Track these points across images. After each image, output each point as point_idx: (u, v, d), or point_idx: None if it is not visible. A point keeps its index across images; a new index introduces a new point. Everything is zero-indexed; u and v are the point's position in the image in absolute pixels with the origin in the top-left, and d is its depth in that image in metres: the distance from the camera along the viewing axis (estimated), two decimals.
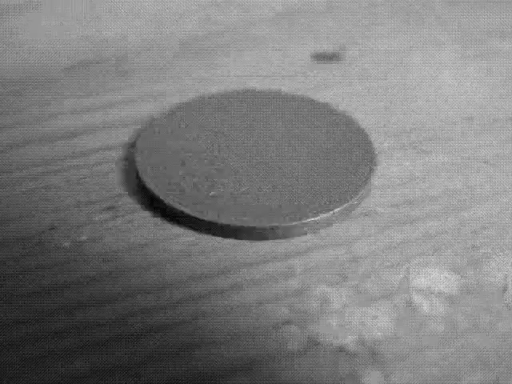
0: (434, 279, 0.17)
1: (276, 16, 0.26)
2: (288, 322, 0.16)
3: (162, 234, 0.17)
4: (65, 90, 0.22)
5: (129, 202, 0.18)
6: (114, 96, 0.22)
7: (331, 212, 0.18)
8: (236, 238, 0.17)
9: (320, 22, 0.25)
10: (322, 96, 0.22)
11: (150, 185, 0.18)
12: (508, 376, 0.15)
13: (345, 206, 0.18)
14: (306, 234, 0.17)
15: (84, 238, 0.17)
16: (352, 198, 0.18)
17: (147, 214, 0.18)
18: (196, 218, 0.17)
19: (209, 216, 0.17)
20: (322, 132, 0.20)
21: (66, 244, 0.17)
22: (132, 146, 0.20)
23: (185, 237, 0.17)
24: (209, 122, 0.20)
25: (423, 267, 0.17)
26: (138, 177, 0.18)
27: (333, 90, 0.22)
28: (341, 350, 0.15)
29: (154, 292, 0.16)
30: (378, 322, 0.16)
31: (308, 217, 0.17)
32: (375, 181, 0.19)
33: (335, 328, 0.16)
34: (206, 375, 0.15)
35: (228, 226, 0.17)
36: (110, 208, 0.18)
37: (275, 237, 0.17)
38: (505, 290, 0.16)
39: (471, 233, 0.18)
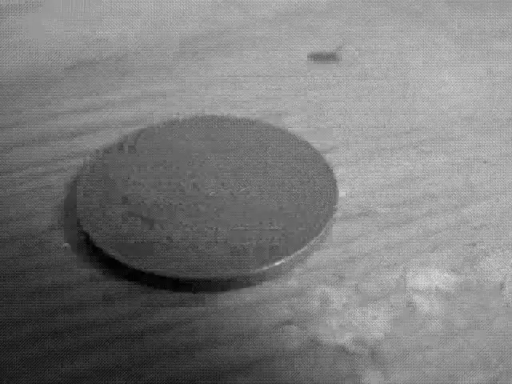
0: (432, 278, 0.17)
1: (276, 16, 0.26)
2: (288, 322, 0.16)
3: None
4: (65, 89, 0.22)
5: None
6: (114, 96, 0.22)
7: (275, 264, 0.16)
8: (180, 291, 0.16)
9: (320, 22, 0.25)
10: (323, 95, 0.22)
11: (92, 235, 0.16)
12: (508, 374, 0.15)
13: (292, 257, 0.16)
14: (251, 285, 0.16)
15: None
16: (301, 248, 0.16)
17: None
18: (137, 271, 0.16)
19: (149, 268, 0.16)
20: (281, 162, 0.18)
21: (66, 244, 0.17)
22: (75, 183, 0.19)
23: None
24: (159, 152, 0.18)
25: (422, 267, 0.17)
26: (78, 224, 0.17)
27: (333, 89, 0.22)
28: (341, 349, 0.15)
29: (154, 292, 0.16)
30: (377, 322, 0.16)
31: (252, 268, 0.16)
32: (334, 213, 0.17)
33: (335, 328, 0.16)
34: (206, 375, 0.15)
35: (164, 277, 0.16)
36: None
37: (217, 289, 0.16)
38: (503, 288, 0.16)
39: (470, 232, 0.18)
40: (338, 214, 0.18)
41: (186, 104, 0.21)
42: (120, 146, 0.19)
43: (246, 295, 0.16)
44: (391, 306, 0.16)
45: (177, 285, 0.16)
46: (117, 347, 0.15)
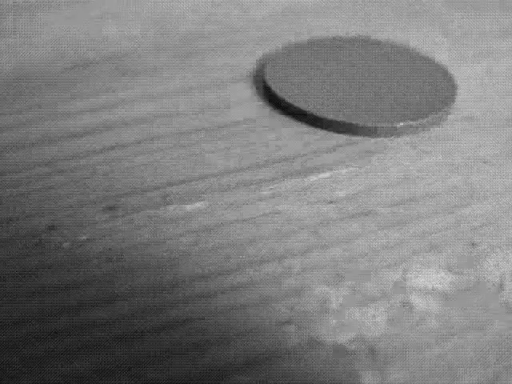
0: (432, 278, 0.17)
1: (276, 16, 0.26)
2: (288, 322, 0.16)
3: (161, 235, 0.18)
4: (66, 90, 0.22)
5: (129, 202, 0.18)
6: (115, 96, 0.22)
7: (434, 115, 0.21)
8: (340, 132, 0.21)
9: (320, 22, 0.25)
10: None
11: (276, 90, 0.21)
12: (506, 373, 0.15)
13: (442, 111, 0.21)
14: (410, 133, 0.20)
15: (84, 237, 0.17)
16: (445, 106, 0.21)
17: (147, 213, 0.18)
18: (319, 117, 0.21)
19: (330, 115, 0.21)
20: (408, 68, 0.23)
21: (66, 244, 0.17)
22: (260, 72, 0.22)
23: (185, 237, 0.17)
24: (320, 59, 0.23)
25: (421, 266, 0.17)
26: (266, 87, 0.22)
27: None
28: (340, 349, 0.15)
29: (154, 292, 0.16)
30: (376, 321, 0.16)
31: (407, 119, 0.20)
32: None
33: (334, 327, 0.16)
34: (206, 375, 0.15)
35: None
36: (110, 208, 0.18)
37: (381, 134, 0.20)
38: (502, 287, 0.16)
39: (469, 232, 0.18)
40: (338, 214, 0.18)
41: (186, 104, 0.21)
42: (283, 53, 0.23)
43: (246, 295, 0.16)
44: (390, 306, 0.16)
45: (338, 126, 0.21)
46: (117, 347, 0.15)
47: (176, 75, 0.23)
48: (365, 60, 0.23)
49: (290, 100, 0.21)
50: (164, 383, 0.14)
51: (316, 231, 0.18)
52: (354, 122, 0.20)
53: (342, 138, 0.20)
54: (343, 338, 0.15)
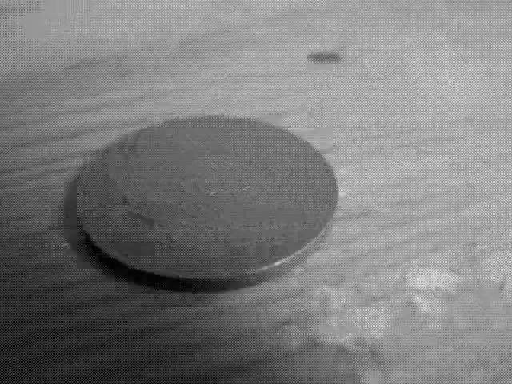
0: (432, 278, 0.17)
1: (276, 16, 0.26)
2: (288, 322, 0.16)
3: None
4: (65, 90, 0.22)
5: None
6: (114, 96, 0.22)
7: (273, 264, 0.16)
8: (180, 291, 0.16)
9: (320, 22, 0.25)
10: (323, 95, 0.22)
11: (93, 236, 0.16)
12: (508, 375, 0.15)
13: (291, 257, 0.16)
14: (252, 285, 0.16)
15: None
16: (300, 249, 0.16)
17: None
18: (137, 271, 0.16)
19: (147, 267, 0.16)
20: (281, 162, 0.18)
21: (66, 244, 0.17)
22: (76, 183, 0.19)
23: None
24: (159, 152, 0.18)
25: (422, 267, 0.17)
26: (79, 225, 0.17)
27: (333, 89, 0.22)
28: (341, 349, 0.15)
29: (154, 292, 0.16)
30: (377, 322, 0.16)
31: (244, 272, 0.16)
32: (336, 214, 0.17)
33: (335, 328, 0.16)
34: (206, 375, 0.15)
35: (164, 277, 0.16)
36: None
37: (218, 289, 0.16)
38: (503, 288, 0.16)
39: (470, 232, 0.18)
40: (338, 214, 0.18)
41: (186, 104, 0.21)
42: (120, 146, 0.19)
43: (246, 295, 0.16)
44: (391, 306, 0.16)
45: (177, 285, 0.16)
46: (117, 347, 0.15)
47: (176, 75, 0.23)
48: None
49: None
50: (164, 383, 0.14)
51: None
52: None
53: None
54: (344, 339, 0.15)
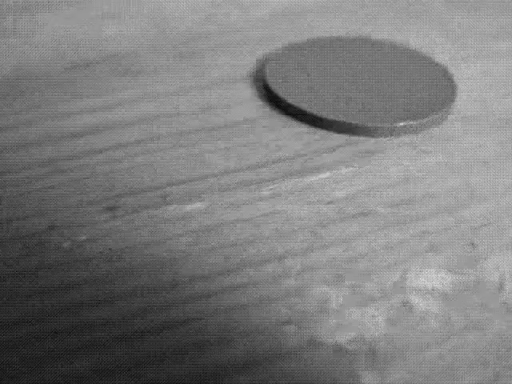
0: (431, 278, 0.17)
1: (275, 16, 0.26)
2: (287, 322, 0.16)
3: (161, 235, 0.18)
4: (66, 90, 0.22)
5: (129, 203, 0.18)
6: (115, 96, 0.22)
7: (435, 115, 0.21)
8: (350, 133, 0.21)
9: (320, 22, 0.25)
10: None
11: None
12: (506, 373, 0.15)
13: (443, 110, 0.21)
14: (412, 133, 0.20)
15: (84, 237, 0.17)
16: (447, 105, 0.21)
17: (147, 213, 0.18)
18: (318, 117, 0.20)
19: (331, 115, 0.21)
20: (409, 67, 0.23)
21: (66, 244, 0.17)
22: (260, 71, 0.22)
23: (185, 237, 0.17)
24: (320, 59, 0.23)
25: (421, 266, 0.17)
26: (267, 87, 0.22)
27: None
28: (339, 349, 0.15)
29: (154, 292, 0.16)
30: (376, 321, 0.16)
31: (412, 119, 0.20)
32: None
33: (334, 327, 0.16)
34: (206, 375, 0.15)
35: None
36: (110, 208, 0.18)
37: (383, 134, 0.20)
38: (501, 288, 0.16)
39: (469, 232, 0.18)
40: (337, 214, 0.18)
41: (186, 104, 0.21)
42: (284, 53, 0.23)
43: (246, 295, 0.16)
44: (390, 306, 0.16)
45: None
46: (117, 347, 0.15)
47: (176, 75, 0.23)
48: (364, 60, 0.23)
49: (289, 100, 0.21)
50: (164, 383, 0.14)
51: (316, 231, 0.18)
52: (353, 122, 0.20)
53: (341, 138, 0.20)
54: (343, 338, 0.15)
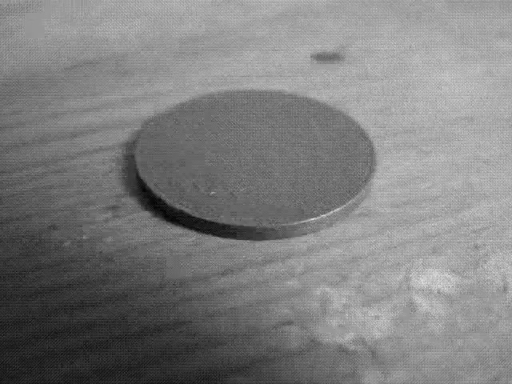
0: (434, 279, 0.17)
1: (276, 16, 0.26)
2: (289, 322, 0.16)
3: (162, 235, 0.17)
4: (65, 90, 0.22)
5: (129, 202, 0.18)
6: (114, 96, 0.22)
7: (331, 212, 0.17)
8: (236, 238, 0.17)
9: (320, 22, 0.25)
10: (323, 96, 0.22)
11: (151, 185, 0.18)
12: (508, 376, 0.15)
13: (344, 206, 0.18)
14: (306, 234, 0.17)
15: (84, 237, 0.17)
16: (351, 198, 0.18)
17: (148, 213, 0.18)
18: (196, 218, 0.17)
19: (209, 216, 0.17)
20: (322, 132, 0.20)
21: (66, 244, 0.17)
22: (132, 145, 0.20)
23: (186, 237, 0.17)
24: (208, 122, 0.20)
25: (423, 267, 0.17)
26: (138, 177, 0.18)
27: (333, 90, 0.22)
28: (341, 349, 0.15)
29: (155, 292, 0.16)
30: (378, 322, 0.16)
31: (308, 217, 0.17)
32: (375, 181, 0.19)
33: (336, 328, 0.16)
34: (206, 375, 0.15)
35: (228, 226, 0.17)
36: (110, 208, 0.18)
37: (275, 237, 0.17)
38: (505, 289, 0.16)
39: (471, 233, 0.18)
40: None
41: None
42: (168, 116, 0.20)
43: (247, 295, 0.16)
44: (392, 307, 0.16)
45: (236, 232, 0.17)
46: (117, 347, 0.15)
47: (176, 75, 0.23)
48: (256, 128, 0.20)
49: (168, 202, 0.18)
50: (164, 383, 0.14)
51: (317, 232, 0.18)
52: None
53: None
54: (345, 339, 0.15)
